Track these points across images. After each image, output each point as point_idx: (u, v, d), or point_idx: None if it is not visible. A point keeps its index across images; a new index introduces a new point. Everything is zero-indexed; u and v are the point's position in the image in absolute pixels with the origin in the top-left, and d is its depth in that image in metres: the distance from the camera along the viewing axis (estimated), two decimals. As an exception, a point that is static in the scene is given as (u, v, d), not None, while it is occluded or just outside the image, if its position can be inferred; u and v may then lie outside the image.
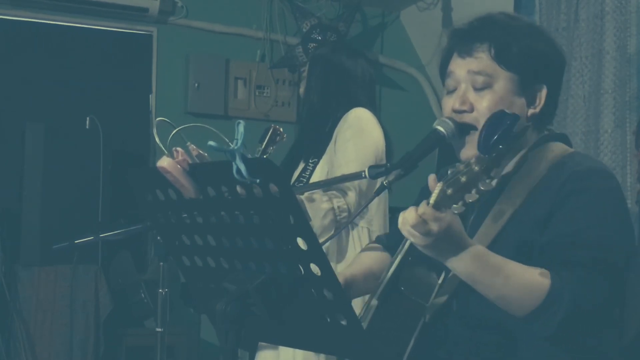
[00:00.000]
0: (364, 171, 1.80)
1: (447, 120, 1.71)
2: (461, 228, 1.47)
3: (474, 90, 1.69)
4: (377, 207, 2.74)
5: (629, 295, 1.68)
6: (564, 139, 1.77)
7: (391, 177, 1.67)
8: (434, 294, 1.63)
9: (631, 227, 1.66)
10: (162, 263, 2.41)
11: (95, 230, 2.56)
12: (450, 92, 1.73)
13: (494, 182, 1.38)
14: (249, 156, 1.33)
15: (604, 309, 1.59)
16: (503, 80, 1.67)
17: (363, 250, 2.09)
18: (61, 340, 3.81)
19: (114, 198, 4.00)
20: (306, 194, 2.58)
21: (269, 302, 1.43)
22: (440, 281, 1.64)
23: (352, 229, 2.72)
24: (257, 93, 4.90)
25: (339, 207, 2.59)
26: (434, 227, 1.41)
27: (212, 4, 4.82)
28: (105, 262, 4.01)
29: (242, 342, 1.42)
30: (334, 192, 2.63)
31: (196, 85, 4.71)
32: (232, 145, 1.33)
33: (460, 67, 1.71)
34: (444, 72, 1.79)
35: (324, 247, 1.74)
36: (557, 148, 1.70)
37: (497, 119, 1.45)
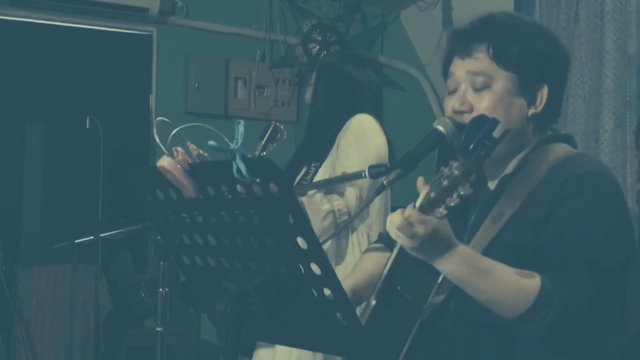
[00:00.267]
0: (364, 171, 1.80)
1: (447, 120, 1.71)
2: (449, 231, 1.48)
3: (474, 90, 1.69)
4: (378, 213, 2.74)
5: (629, 295, 1.67)
6: (569, 140, 1.76)
7: (391, 176, 1.67)
8: (432, 294, 1.63)
9: (631, 230, 1.65)
10: (162, 263, 2.41)
11: (95, 230, 2.56)
12: (451, 92, 1.74)
13: (472, 188, 1.38)
14: (249, 156, 1.33)
15: (601, 310, 1.58)
16: (502, 81, 1.67)
17: (365, 251, 2.09)
18: (61, 340, 3.81)
19: (114, 198, 4.00)
20: (306, 195, 2.58)
21: (269, 302, 1.43)
22: (439, 281, 1.64)
23: (352, 232, 2.72)
24: (257, 93, 4.90)
25: (339, 209, 2.60)
26: (420, 229, 1.42)
27: (212, 4, 4.82)
28: (105, 262, 4.01)
29: (241, 347, 1.42)
30: (335, 195, 2.64)
31: (196, 85, 4.71)
32: (232, 145, 1.33)
33: (459, 68, 1.72)
34: (445, 72, 1.79)
35: (322, 249, 1.74)
36: (559, 149, 1.70)
37: (477, 124, 1.46)
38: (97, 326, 3.89)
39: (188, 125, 1.56)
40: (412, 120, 4.73)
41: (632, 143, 3.35)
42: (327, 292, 1.37)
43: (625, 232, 1.63)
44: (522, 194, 1.63)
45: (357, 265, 1.98)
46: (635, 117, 3.39)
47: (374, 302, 1.68)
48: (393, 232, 1.44)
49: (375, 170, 1.78)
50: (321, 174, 2.76)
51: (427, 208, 1.41)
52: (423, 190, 1.42)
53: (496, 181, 1.73)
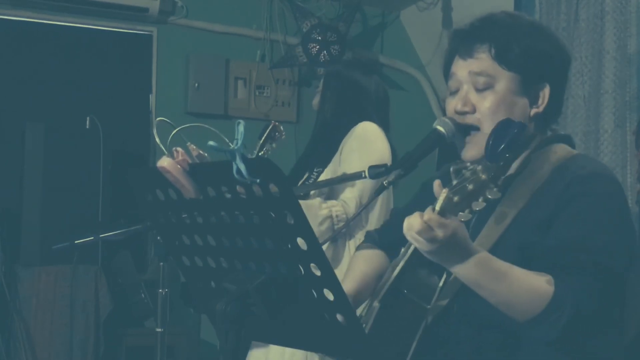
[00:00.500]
0: (364, 171, 1.80)
1: (447, 120, 1.71)
2: (466, 234, 1.47)
3: (476, 91, 1.69)
4: (377, 221, 2.72)
5: (629, 295, 1.68)
6: (568, 140, 1.77)
7: (391, 177, 1.67)
8: (435, 296, 1.63)
9: (633, 231, 1.66)
10: (162, 263, 2.41)
11: (95, 230, 2.56)
12: (453, 93, 1.73)
13: (500, 192, 1.37)
14: (249, 156, 1.33)
15: (604, 311, 1.59)
16: (504, 81, 1.67)
17: (356, 252, 2.07)
18: (61, 340, 3.81)
19: (114, 198, 4.00)
20: (305, 199, 2.58)
21: (269, 302, 1.43)
22: (441, 283, 1.64)
23: (350, 239, 2.71)
24: (257, 93, 4.90)
25: (337, 215, 2.59)
26: (440, 233, 1.40)
27: (212, 4, 4.82)
28: (105, 262, 4.01)
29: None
30: (334, 201, 2.64)
31: (196, 85, 4.71)
32: (232, 145, 1.33)
33: (461, 69, 1.71)
34: (447, 73, 1.79)
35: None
36: (560, 150, 1.70)
37: (504, 127, 1.45)
38: (97, 326, 3.89)
39: (188, 125, 1.56)
40: (412, 120, 4.73)
41: (632, 143, 3.35)
42: (327, 292, 1.37)
43: (629, 232, 1.64)
44: (525, 194, 1.63)
45: (350, 268, 1.96)
46: (635, 117, 3.39)
47: (378, 305, 1.68)
48: (411, 236, 1.42)
49: (375, 171, 1.78)
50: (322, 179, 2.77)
51: (448, 211, 1.40)
52: (442, 193, 1.41)
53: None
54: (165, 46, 4.72)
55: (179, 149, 1.50)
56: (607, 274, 1.55)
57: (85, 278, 3.85)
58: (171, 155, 1.48)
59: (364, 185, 2.63)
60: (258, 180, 1.31)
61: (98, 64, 4.56)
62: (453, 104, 1.71)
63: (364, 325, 1.70)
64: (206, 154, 1.58)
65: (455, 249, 1.45)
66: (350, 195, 2.64)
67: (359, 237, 2.70)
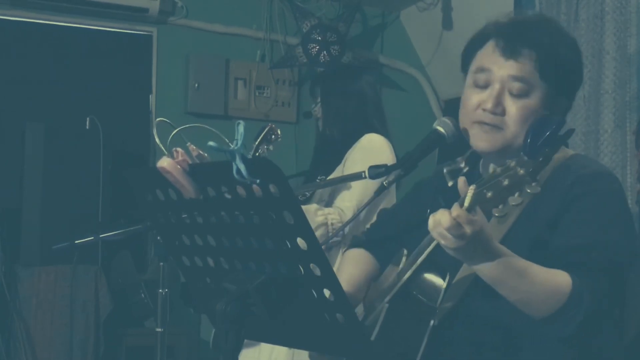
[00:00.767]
0: (364, 171, 1.79)
1: (447, 120, 1.71)
2: (490, 232, 1.47)
3: (510, 94, 1.66)
4: None
5: (629, 295, 1.68)
6: None
7: (391, 177, 1.67)
8: (440, 298, 1.63)
9: (634, 228, 1.67)
10: (162, 263, 2.41)
11: (95, 230, 2.56)
12: (480, 87, 1.69)
13: (539, 187, 1.36)
14: (249, 156, 1.33)
15: (608, 309, 1.59)
16: (539, 91, 1.66)
17: (344, 255, 2.06)
18: (61, 340, 3.81)
19: (114, 198, 3.99)
20: (303, 205, 2.57)
21: (269, 302, 1.43)
22: (445, 285, 1.64)
23: (344, 245, 2.69)
24: (257, 93, 4.90)
25: (332, 223, 2.58)
26: (468, 230, 1.40)
27: (212, 4, 4.82)
28: (105, 262, 4.01)
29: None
30: (331, 209, 2.62)
31: (196, 85, 4.70)
32: (232, 146, 1.33)
33: (501, 68, 1.67)
34: (470, 58, 1.75)
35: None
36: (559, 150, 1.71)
37: (543, 123, 1.44)
38: (97, 326, 3.89)
39: (188, 125, 1.56)
40: (412, 121, 4.73)
41: (632, 143, 3.35)
42: (326, 292, 1.37)
43: (632, 230, 1.65)
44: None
45: (340, 271, 1.95)
46: (635, 117, 3.39)
47: (387, 306, 1.68)
48: (439, 233, 1.41)
49: (375, 171, 1.78)
50: (326, 190, 2.76)
51: (475, 208, 1.39)
52: (470, 190, 1.40)
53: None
54: (165, 46, 4.72)
55: (179, 149, 1.50)
56: (616, 270, 1.56)
57: (85, 278, 3.85)
58: (171, 155, 1.48)
59: (362, 196, 2.62)
60: (258, 181, 1.31)
61: (98, 64, 4.56)
62: (479, 99, 1.68)
63: (374, 327, 1.70)
64: (206, 154, 1.58)
65: (480, 246, 1.45)
66: (349, 204, 2.62)
67: None
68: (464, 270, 1.64)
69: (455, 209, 1.40)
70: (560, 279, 1.52)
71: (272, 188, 1.30)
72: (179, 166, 1.46)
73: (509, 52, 1.66)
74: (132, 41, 4.69)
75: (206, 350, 4.31)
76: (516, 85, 1.65)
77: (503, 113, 1.66)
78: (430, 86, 5.32)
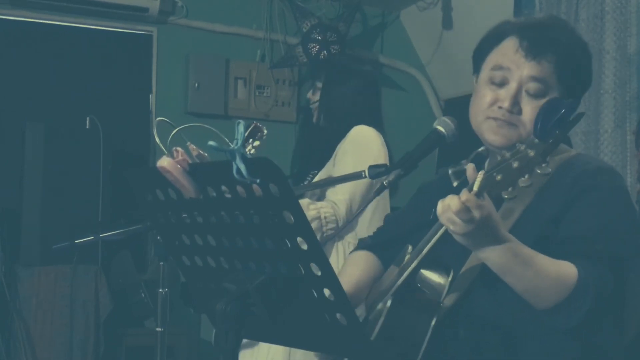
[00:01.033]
0: (364, 171, 1.79)
1: (447, 120, 1.71)
2: (498, 218, 1.47)
3: (527, 94, 1.67)
4: (369, 225, 2.70)
5: (629, 295, 1.68)
6: (567, 141, 1.79)
7: (391, 177, 1.67)
8: (444, 294, 1.64)
9: (638, 224, 1.67)
10: (162, 263, 2.41)
11: (95, 230, 2.56)
12: (496, 84, 1.70)
13: (549, 168, 1.36)
14: (249, 156, 1.33)
15: (608, 307, 1.59)
16: (554, 92, 1.68)
17: (349, 256, 2.06)
18: (61, 340, 3.81)
19: (114, 198, 3.99)
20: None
21: (269, 302, 1.43)
22: (449, 281, 1.64)
23: (338, 240, 2.68)
24: (257, 93, 4.90)
25: (325, 217, 2.57)
26: (476, 214, 1.40)
27: (212, 4, 4.82)
28: (105, 262, 4.01)
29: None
30: (324, 203, 2.61)
31: (196, 85, 4.71)
32: (232, 145, 1.33)
33: (521, 68, 1.68)
34: (484, 54, 1.75)
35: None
36: (561, 149, 1.72)
37: (554, 105, 1.46)
38: (97, 326, 3.89)
39: (188, 125, 1.56)
40: (412, 120, 4.74)
41: (632, 143, 3.35)
42: (327, 292, 1.37)
43: (636, 225, 1.66)
44: (530, 191, 1.64)
45: (342, 273, 1.95)
46: (635, 117, 3.39)
47: (390, 300, 1.68)
48: (447, 218, 1.42)
49: (375, 171, 1.77)
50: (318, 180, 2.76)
51: (484, 192, 1.40)
52: (479, 175, 1.41)
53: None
54: (165, 46, 4.72)
55: (179, 149, 1.50)
56: (619, 264, 1.57)
57: (85, 278, 3.85)
58: (171, 155, 1.48)
59: (355, 189, 2.61)
60: (258, 180, 1.31)
61: (98, 64, 4.56)
62: (495, 96, 1.69)
63: (374, 323, 1.70)
64: (206, 154, 1.58)
65: (488, 231, 1.45)
66: (341, 198, 2.61)
67: (348, 239, 2.68)
68: (467, 265, 1.64)
69: (465, 194, 1.40)
70: (566, 269, 1.52)
71: (272, 188, 1.30)
72: (179, 166, 1.45)
73: (533, 53, 1.67)
74: (132, 41, 4.69)
75: (206, 350, 4.32)
76: (534, 86, 1.66)
77: (519, 112, 1.67)
78: (430, 86, 5.32)
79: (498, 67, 1.70)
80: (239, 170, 1.31)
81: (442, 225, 1.58)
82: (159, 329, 2.41)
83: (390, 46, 5.30)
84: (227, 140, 1.37)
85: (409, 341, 1.62)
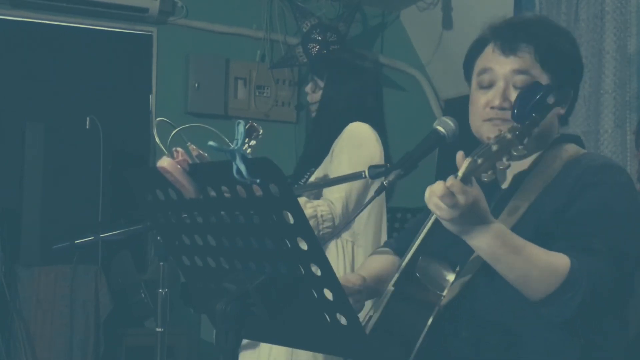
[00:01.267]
0: (364, 171, 1.79)
1: (447, 120, 1.71)
2: (486, 205, 1.48)
3: (514, 88, 1.70)
4: (366, 223, 2.70)
5: (634, 293, 1.68)
6: (578, 141, 1.80)
7: (391, 177, 1.67)
8: (447, 288, 1.64)
9: None
10: (162, 263, 2.41)
11: (95, 230, 2.56)
12: (485, 87, 1.74)
13: (525, 150, 1.40)
14: (249, 156, 1.33)
15: (611, 304, 1.59)
16: (542, 82, 1.69)
17: (371, 254, 2.09)
18: (61, 340, 3.81)
19: (114, 198, 4.00)
20: None
21: (269, 302, 1.43)
22: (452, 278, 1.64)
23: (336, 238, 2.67)
24: (257, 93, 4.90)
25: (322, 215, 2.56)
26: (461, 199, 1.42)
27: (212, 4, 4.82)
28: (105, 262, 4.01)
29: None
30: (320, 201, 2.61)
31: (196, 85, 4.71)
32: (232, 145, 1.33)
33: (502, 65, 1.72)
34: (471, 64, 1.80)
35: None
36: (571, 149, 1.73)
37: (531, 89, 1.49)
38: (97, 326, 3.89)
39: (188, 125, 1.56)
40: (412, 120, 4.74)
41: (632, 143, 3.35)
42: (327, 292, 1.37)
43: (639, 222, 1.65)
44: (537, 188, 1.66)
45: (363, 267, 1.98)
46: (635, 117, 3.39)
47: (392, 289, 1.68)
48: (433, 203, 1.44)
49: (375, 171, 1.77)
50: (313, 180, 2.75)
51: (472, 175, 1.42)
52: (465, 162, 1.43)
53: (509, 178, 1.76)
54: (165, 46, 4.72)
55: (179, 149, 1.50)
56: (621, 259, 1.56)
57: (85, 278, 3.85)
58: (171, 155, 1.48)
59: (350, 186, 2.61)
60: (258, 180, 1.31)
61: (98, 64, 4.56)
62: (486, 98, 1.72)
63: (375, 309, 1.70)
64: (206, 154, 1.58)
65: (474, 218, 1.46)
66: (337, 195, 2.61)
67: (346, 237, 2.68)
68: (470, 260, 1.64)
69: (450, 179, 1.43)
70: (558, 260, 1.52)
71: (272, 188, 1.30)
72: (179, 166, 1.45)
73: (508, 49, 1.71)
74: (132, 41, 4.69)
75: (206, 350, 4.32)
76: (520, 78, 1.69)
77: (511, 106, 1.68)
78: (430, 86, 5.32)
79: (483, 71, 1.75)
80: (239, 171, 1.31)
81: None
82: (159, 329, 2.41)
83: (390, 46, 5.30)
84: (227, 141, 1.37)
85: (408, 332, 1.63)
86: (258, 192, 1.33)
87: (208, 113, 4.66)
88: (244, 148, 2.65)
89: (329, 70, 2.90)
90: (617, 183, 1.64)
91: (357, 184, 2.61)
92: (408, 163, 1.66)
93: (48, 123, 3.95)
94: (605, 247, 1.55)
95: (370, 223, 2.71)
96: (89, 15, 4.52)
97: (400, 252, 1.97)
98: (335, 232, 2.59)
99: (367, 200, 1.80)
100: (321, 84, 2.88)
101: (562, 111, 1.76)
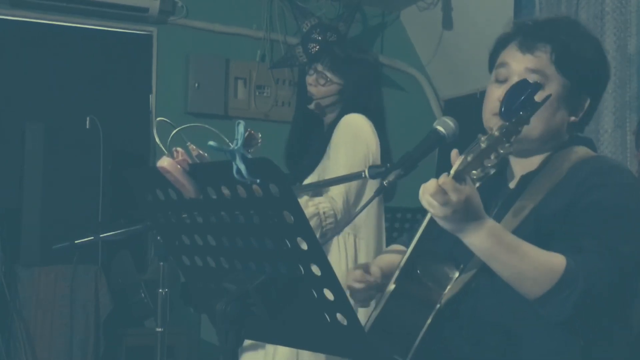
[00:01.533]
0: (364, 171, 1.79)
1: (447, 120, 1.71)
2: (479, 203, 1.48)
3: None
4: (367, 215, 2.71)
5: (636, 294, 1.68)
6: (590, 143, 1.79)
7: (391, 177, 1.67)
8: (447, 288, 1.64)
9: None
10: (162, 263, 2.41)
11: (95, 230, 2.56)
12: (500, 82, 1.74)
13: (512, 147, 1.41)
14: (249, 156, 1.33)
15: (612, 305, 1.59)
16: (555, 84, 1.69)
17: (386, 249, 2.09)
18: (61, 340, 3.81)
19: (114, 198, 3.99)
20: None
21: (269, 302, 1.43)
22: (456, 276, 1.65)
23: (337, 234, 2.69)
24: (257, 93, 4.91)
25: (324, 212, 2.58)
26: (453, 197, 1.43)
27: (212, 4, 4.82)
28: (105, 262, 4.01)
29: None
30: (321, 198, 2.62)
31: (196, 85, 4.71)
32: (232, 145, 1.33)
33: (518, 62, 1.72)
34: (494, 59, 1.80)
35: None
36: (581, 151, 1.73)
37: (519, 87, 1.49)
38: (97, 326, 3.89)
39: (188, 125, 1.56)
40: (412, 120, 4.73)
41: (632, 143, 3.35)
42: (327, 292, 1.37)
43: None
44: (543, 189, 1.66)
45: (380, 259, 1.98)
46: (635, 117, 3.39)
47: (393, 286, 1.68)
48: (426, 200, 1.45)
49: (375, 171, 1.77)
50: (313, 174, 2.75)
51: (463, 173, 1.43)
52: (458, 159, 1.44)
53: (517, 179, 1.76)
54: (165, 46, 4.72)
55: (179, 149, 1.50)
56: (621, 261, 1.56)
57: (85, 278, 3.85)
58: (171, 155, 1.48)
59: (351, 182, 2.62)
60: (258, 180, 1.31)
61: (98, 64, 4.56)
62: (499, 92, 1.69)
63: (376, 308, 1.70)
64: (206, 154, 1.58)
65: (468, 215, 1.47)
66: (337, 191, 2.62)
67: (347, 230, 2.69)
68: (472, 260, 1.64)
69: (442, 177, 1.44)
70: (554, 259, 1.52)
71: (272, 188, 1.31)
72: (179, 166, 1.45)
73: (526, 46, 1.72)
74: (132, 41, 4.69)
75: (206, 350, 4.32)
76: (532, 77, 1.68)
77: None
78: (430, 86, 5.32)
79: (500, 65, 1.76)
80: (239, 171, 1.31)
81: None
82: (159, 329, 2.41)
83: (390, 46, 5.30)
84: (227, 141, 1.37)
85: (408, 328, 1.63)
86: (258, 192, 1.33)
87: (208, 113, 4.66)
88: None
89: (348, 68, 2.86)
90: (621, 185, 1.64)
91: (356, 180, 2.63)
92: (408, 163, 1.66)
93: (48, 123, 3.95)
94: (606, 248, 1.54)
95: (370, 215, 2.73)
96: (89, 15, 4.52)
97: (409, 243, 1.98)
98: (338, 226, 2.61)
99: (367, 200, 1.79)
100: (332, 76, 2.83)
101: (575, 119, 1.74)
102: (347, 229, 2.69)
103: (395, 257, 1.96)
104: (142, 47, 4.69)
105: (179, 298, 3.91)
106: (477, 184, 1.47)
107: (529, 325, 1.59)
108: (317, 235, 2.49)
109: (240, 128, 1.37)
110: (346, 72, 2.84)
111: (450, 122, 1.70)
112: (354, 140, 2.67)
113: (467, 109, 1.80)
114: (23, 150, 3.89)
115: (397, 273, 1.70)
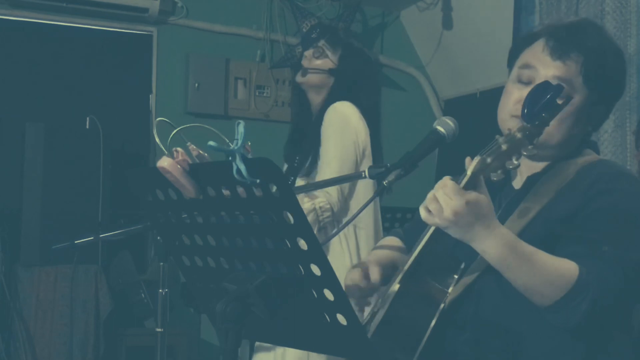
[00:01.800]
0: (364, 171, 1.79)
1: (447, 120, 1.71)
2: (491, 208, 1.47)
3: None
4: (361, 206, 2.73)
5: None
6: (594, 146, 1.79)
7: (391, 177, 1.67)
8: (451, 287, 1.64)
9: None
10: (162, 263, 2.41)
11: (95, 230, 2.56)
12: (523, 83, 1.70)
13: (536, 149, 1.40)
14: (249, 156, 1.33)
15: (615, 310, 1.58)
16: (580, 95, 1.67)
17: (380, 242, 2.08)
18: (61, 340, 3.81)
19: (114, 198, 4.00)
20: None
21: (269, 302, 1.43)
22: (457, 276, 1.65)
23: (337, 225, 2.71)
24: (257, 93, 4.91)
25: (320, 207, 2.60)
26: (461, 201, 1.42)
27: (212, 4, 4.82)
28: (105, 262, 4.01)
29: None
30: (316, 193, 2.63)
31: (196, 85, 4.71)
32: (232, 145, 1.33)
33: (546, 67, 1.68)
34: (517, 53, 1.76)
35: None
36: (587, 154, 1.73)
37: (541, 89, 1.48)
38: (97, 326, 3.89)
39: (188, 125, 1.56)
40: (412, 120, 4.74)
41: (632, 143, 3.35)
42: (327, 292, 1.37)
43: None
44: (550, 191, 1.64)
45: (375, 254, 1.97)
46: (635, 117, 3.39)
47: (397, 287, 1.68)
48: (434, 207, 1.44)
49: (375, 171, 1.77)
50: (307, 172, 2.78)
51: (481, 174, 1.42)
52: (474, 160, 1.43)
53: (522, 179, 1.75)
54: (165, 46, 4.73)
55: (179, 149, 1.50)
56: (629, 267, 1.55)
57: (85, 278, 3.85)
58: (171, 155, 1.48)
59: (342, 172, 2.64)
60: (258, 181, 1.31)
61: (98, 64, 4.57)
62: (520, 95, 1.67)
63: (381, 309, 1.70)
64: (206, 154, 1.58)
65: (478, 221, 1.45)
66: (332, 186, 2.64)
67: (346, 221, 2.70)
68: (476, 261, 1.64)
69: (448, 182, 1.44)
70: (566, 266, 1.51)
71: (272, 188, 1.30)
72: (179, 166, 1.45)
73: (558, 52, 1.67)
74: (132, 41, 4.69)
75: (206, 350, 4.32)
76: None
77: None
78: (430, 86, 5.32)
79: (526, 66, 1.71)
80: (239, 171, 1.31)
81: None
82: (159, 329, 2.41)
83: (390, 46, 5.30)
84: (227, 141, 1.37)
85: (410, 334, 1.62)
86: (258, 192, 1.33)
87: (208, 113, 4.66)
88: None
89: (346, 52, 2.90)
90: (630, 191, 1.63)
91: (348, 168, 2.65)
92: (408, 163, 1.66)
93: (48, 123, 3.95)
94: (614, 255, 1.54)
95: (369, 207, 2.74)
96: (89, 15, 4.53)
97: (404, 235, 1.98)
98: (335, 218, 2.62)
99: (367, 200, 1.79)
100: (329, 53, 2.87)
101: (590, 129, 1.74)
102: (344, 220, 2.70)
103: (392, 253, 1.95)
104: (142, 47, 4.69)
105: (179, 298, 3.91)
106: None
107: (532, 327, 1.59)
108: (315, 230, 2.51)
109: (240, 128, 1.37)
110: (342, 55, 2.88)
111: (450, 122, 1.70)
112: (341, 130, 2.70)
113: (467, 109, 1.80)
114: (23, 150, 3.89)
115: (401, 274, 1.70)
